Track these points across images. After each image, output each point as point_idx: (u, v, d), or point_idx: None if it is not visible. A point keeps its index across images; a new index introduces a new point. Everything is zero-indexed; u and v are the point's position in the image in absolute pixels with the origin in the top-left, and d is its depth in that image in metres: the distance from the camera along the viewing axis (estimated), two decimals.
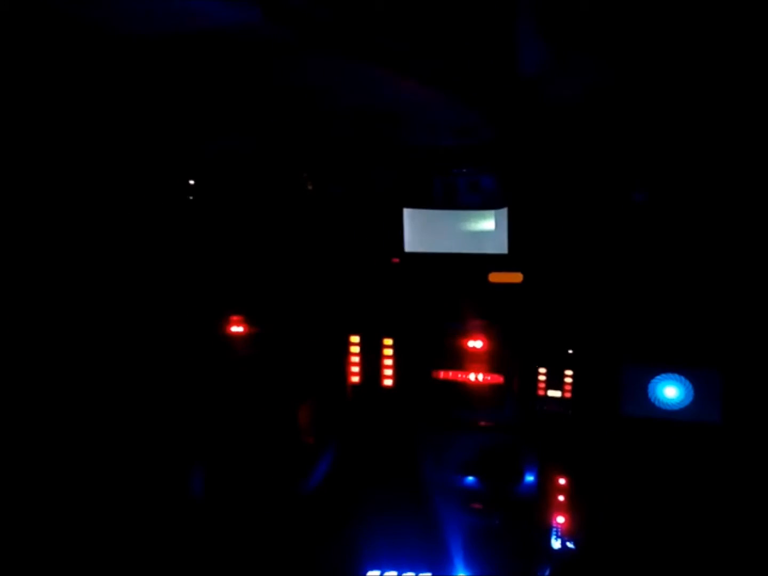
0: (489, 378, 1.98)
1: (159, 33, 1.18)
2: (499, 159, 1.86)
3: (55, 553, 1.57)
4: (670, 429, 1.82)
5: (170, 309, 2.01)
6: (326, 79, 1.47)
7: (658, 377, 1.84)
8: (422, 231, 2.00)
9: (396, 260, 2.04)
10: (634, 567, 1.75)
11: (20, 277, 1.67)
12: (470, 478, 1.96)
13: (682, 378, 1.82)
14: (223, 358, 2.06)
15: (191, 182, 2.05)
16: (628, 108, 1.61)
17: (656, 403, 1.84)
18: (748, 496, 1.71)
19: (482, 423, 2.01)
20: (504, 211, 1.91)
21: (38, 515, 1.60)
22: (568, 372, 1.93)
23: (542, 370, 1.95)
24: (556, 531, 1.87)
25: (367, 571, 1.82)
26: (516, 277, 1.95)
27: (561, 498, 1.90)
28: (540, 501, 1.91)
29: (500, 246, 1.93)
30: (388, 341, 2.07)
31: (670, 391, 1.82)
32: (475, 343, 1.99)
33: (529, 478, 1.93)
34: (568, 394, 1.93)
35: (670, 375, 1.83)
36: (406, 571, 1.82)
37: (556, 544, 1.86)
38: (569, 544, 1.85)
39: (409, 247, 2.01)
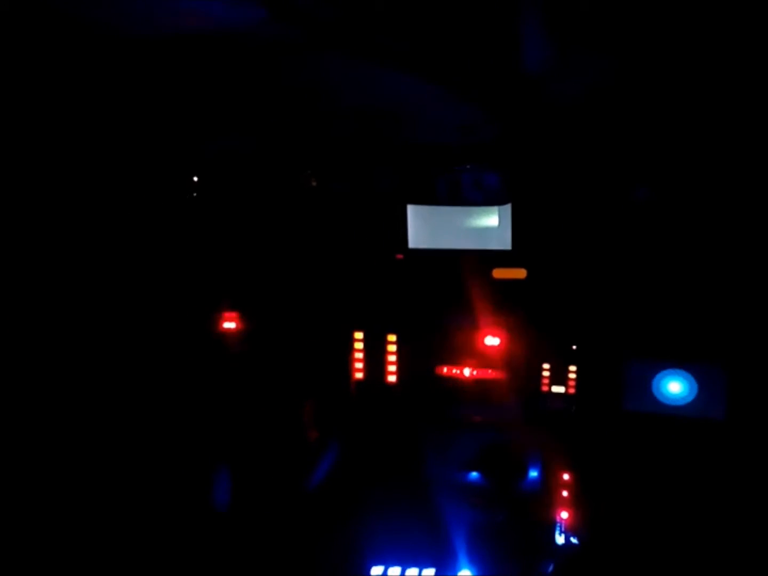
0: (493, 374, 1.98)
1: (162, 34, 1.18)
2: (502, 156, 1.86)
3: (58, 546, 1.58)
4: (673, 425, 1.82)
5: (169, 306, 2.01)
6: (330, 78, 1.47)
7: (662, 373, 1.84)
8: (426, 227, 2.00)
9: (400, 256, 2.04)
10: (638, 562, 1.75)
11: (19, 278, 1.67)
12: (474, 474, 1.96)
13: (686, 373, 1.82)
14: (226, 354, 2.07)
15: (195, 179, 2.05)
16: (630, 105, 1.61)
17: (660, 398, 1.84)
18: (750, 493, 1.71)
19: (486, 419, 2.01)
20: (508, 208, 1.90)
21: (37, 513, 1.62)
22: (572, 368, 1.93)
23: (546, 365, 1.95)
24: (560, 527, 1.87)
25: (370, 567, 1.82)
26: (520, 273, 1.95)
27: (565, 494, 1.90)
28: (544, 497, 1.91)
29: (504, 242, 1.93)
30: (392, 337, 2.07)
31: (674, 387, 1.82)
32: (479, 340, 1.99)
33: (533, 474, 1.93)
34: (571, 390, 1.93)
35: (674, 370, 1.83)
36: (409, 567, 1.82)
37: (559, 539, 1.86)
38: (573, 540, 1.86)
39: (412, 243, 2.01)
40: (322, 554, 1.81)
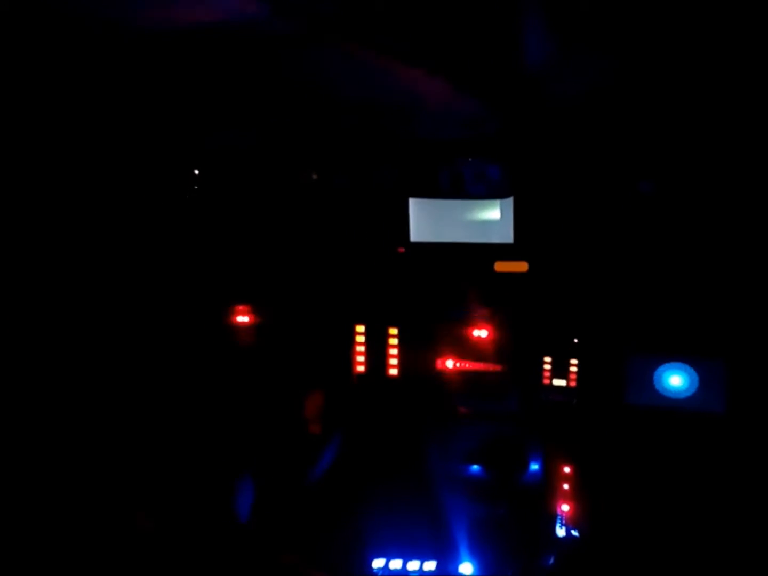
0: (494, 367, 1.99)
1: (163, 28, 1.17)
2: (504, 150, 1.86)
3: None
4: (674, 418, 1.83)
5: (177, 300, 2.02)
6: (331, 73, 1.47)
7: (663, 366, 1.84)
8: (428, 220, 2.00)
9: (401, 250, 2.04)
10: (639, 555, 1.76)
11: (24, 275, 1.68)
12: (475, 467, 1.97)
13: (687, 367, 1.82)
14: (229, 348, 2.08)
15: (196, 172, 2.05)
16: (631, 101, 1.61)
17: (661, 392, 1.84)
18: (751, 486, 1.71)
19: (487, 412, 2.01)
20: (509, 201, 1.90)
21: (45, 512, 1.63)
22: (573, 361, 1.93)
23: (547, 359, 1.96)
24: (561, 519, 1.88)
25: (372, 560, 1.83)
26: (521, 267, 1.95)
27: (566, 486, 1.90)
28: (545, 489, 1.92)
29: (506, 235, 1.93)
30: (394, 331, 2.07)
31: (675, 380, 1.83)
32: (481, 333, 2.00)
33: (534, 466, 1.94)
34: (573, 383, 1.93)
35: (676, 364, 1.83)
36: (411, 560, 1.83)
37: (560, 532, 1.87)
38: (574, 532, 1.86)
39: (414, 236, 2.01)
40: (325, 547, 1.81)
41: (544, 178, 1.88)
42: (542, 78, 1.48)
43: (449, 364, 2.02)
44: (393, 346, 2.08)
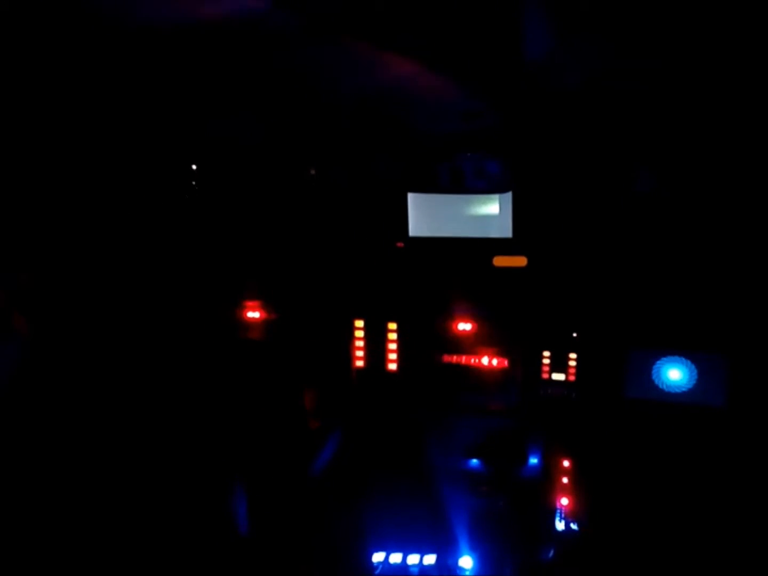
0: (493, 362, 1.99)
1: (165, 22, 1.17)
2: (504, 143, 1.86)
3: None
4: (673, 412, 1.83)
5: (175, 296, 2.01)
6: (332, 66, 1.46)
7: (663, 360, 1.84)
8: (427, 215, 1.99)
9: (400, 244, 2.04)
10: (637, 548, 1.77)
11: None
12: (475, 461, 1.98)
13: (687, 361, 1.83)
14: (229, 342, 2.07)
15: (194, 167, 2.05)
16: (632, 94, 1.60)
17: (660, 386, 1.85)
18: (749, 479, 1.72)
19: (486, 406, 2.02)
20: (508, 196, 1.90)
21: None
22: (573, 355, 1.94)
23: (546, 353, 1.96)
24: (560, 513, 1.88)
25: (372, 554, 1.83)
26: (520, 261, 1.95)
27: (565, 480, 1.91)
28: (544, 483, 1.92)
29: (504, 230, 1.93)
30: (393, 325, 2.07)
31: (675, 374, 1.83)
32: (480, 327, 2.00)
33: (534, 460, 1.95)
34: (572, 378, 1.93)
35: (675, 358, 1.83)
36: (411, 553, 1.83)
37: (560, 525, 1.87)
38: (573, 526, 1.87)
39: (413, 231, 2.01)
40: (325, 540, 1.82)
41: (543, 173, 1.88)
42: (542, 70, 1.48)
43: (448, 358, 2.02)
44: (392, 341, 2.08)
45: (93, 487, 1.73)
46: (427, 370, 2.04)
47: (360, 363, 2.10)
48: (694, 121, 1.68)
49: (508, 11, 1.23)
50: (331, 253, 2.09)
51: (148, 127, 1.82)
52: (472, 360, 2.00)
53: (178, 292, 2.02)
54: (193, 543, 1.73)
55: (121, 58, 1.38)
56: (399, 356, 2.07)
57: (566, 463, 1.92)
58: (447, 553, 1.83)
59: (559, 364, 1.95)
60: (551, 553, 1.84)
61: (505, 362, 1.98)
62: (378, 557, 1.82)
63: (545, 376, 1.96)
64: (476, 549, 1.84)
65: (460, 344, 2.02)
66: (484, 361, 1.99)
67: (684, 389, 1.82)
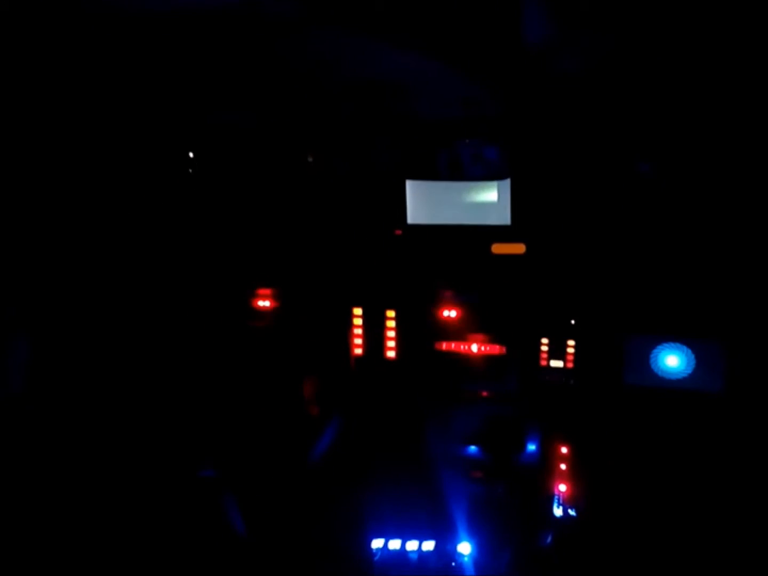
0: (491, 349, 1.99)
1: (163, 9, 1.16)
2: (503, 130, 1.86)
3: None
4: (671, 398, 1.83)
5: (175, 286, 2.02)
6: (330, 52, 1.46)
7: (660, 346, 1.85)
8: (425, 203, 1.99)
9: (398, 232, 2.03)
10: (635, 534, 1.77)
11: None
12: (473, 448, 1.98)
13: (684, 347, 1.83)
14: (227, 330, 2.08)
15: (191, 155, 2.04)
16: (632, 80, 1.60)
17: (658, 372, 1.85)
18: (747, 465, 1.73)
19: (485, 393, 2.02)
20: (507, 183, 1.90)
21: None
22: (571, 342, 1.94)
23: (545, 340, 1.96)
24: (558, 499, 1.89)
25: (371, 540, 1.84)
26: (519, 248, 1.94)
27: (563, 466, 1.91)
28: (542, 470, 1.92)
29: (503, 217, 1.93)
30: (391, 313, 2.07)
31: (672, 361, 1.83)
32: (478, 315, 2.00)
33: (532, 447, 1.95)
34: (570, 364, 1.94)
35: (673, 344, 1.84)
36: (410, 539, 1.84)
37: (558, 511, 1.88)
38: (571, 512, 1.87)
39: (411, 218, 2.00)
40: (323, 527, 1.82)
41: (542, 160, 1.88)
42: (542, 57, 1.48)
43: (447, 345, 2.03)
44: (390, 329, 2.08)
45: (96, 480, 1.75)
46: (426, 357, 2.04)
47: (359, 351, 2.09)
48: (695, 107, 1.67)
49: None
50: (330, 240, 2.08)
51: (146, 115, 1.82)
52: (471, 347, 2.00)
53: (176, 281, 2.02)
54: (189, 533, 1.74)
55: (118, 45, 1.37)
56: (397, 344, 2.07)
57: (564, 450, 1.92)
58: (445, 539, 1.83)
59: (557, 351, 1.95)
60: (549, 539, 1.84)
61: (504, 349, 1.98)
62: (377, 543, 1.82)
63: (543, 363, 1.96)
64: (475, 535, 1.84)
65: (458, 332, 2.02)
66: (483, 348, 1.99)
67: (682, 375, 1.82)
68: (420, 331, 2.05)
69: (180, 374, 1.99)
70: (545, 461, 1.93)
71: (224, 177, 2.05)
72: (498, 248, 1.96)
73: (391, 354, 2.08)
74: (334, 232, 2.08)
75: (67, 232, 1.84)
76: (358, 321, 2.09)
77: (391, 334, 2.07)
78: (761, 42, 1.35)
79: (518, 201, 1.90)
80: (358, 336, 2.09)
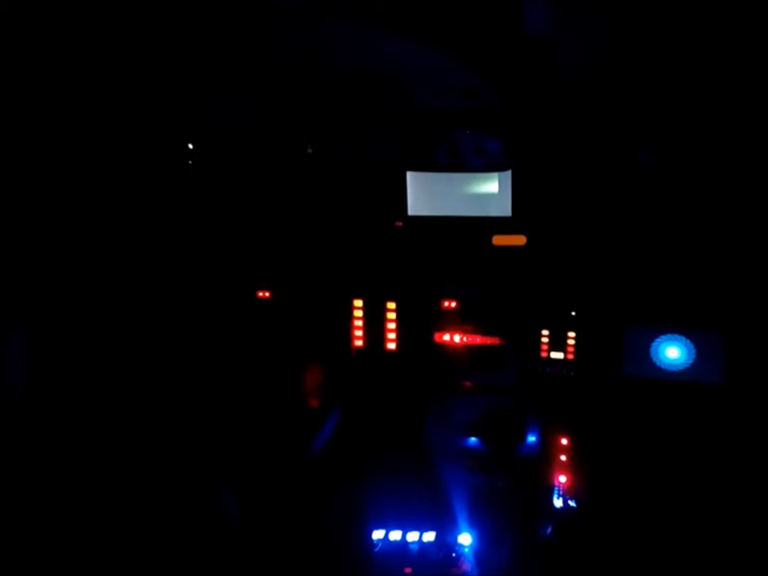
0: (492, 340, 1.99)
1: None
2: (504, 121, 1.85)
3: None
4: (671, 390, 1.84)
5: (176, 279, 2.02)
6: (331, 42, 1.45)
7: (661, 338, 1.85)
8: (425, 194, 1.99)
9: (399, 224, 2.03)
10: (634, 525, 1.78)
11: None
12: (474, 440, 1.99)
13: (684, 339, 1.83)
14: (230, 324, 2.08)
15: (190, 146, 2.04)
16: (633, 70, 1.60)
17: (658, 364, 1.85)
18: (748, 456, 1.73)
19: (485, 385, 2.02)
20: (507, 174, 1.89)
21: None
22: (571, 334, 1.94)
23: (545, 332, 1.96)
24: (558, 490, 1.89)
25: (372, 531, 1.84)
26: (519, 240, 1.94)
27: (563, 458, 1.92)
28: (542, 461, 1.93)
29: (504, 209, 1.93)
30: (391, 305, 2.07)
31: (672, 352, 1.84)
32: (479, 307, 2.00)
33: (532, 438, 1.96)
34: (570, 356, 1.94)
35: (673, 336, 1.84)
36: (410, 530, 1.84)
37: (558, 502, 1.88)
38: (571, 503, 1.88)
39: (412, 210, 2.00)
40: (325, 519, 1.83)
41: (543, 151, 1.87)
42: (543, 46, 1.47)
43: (447, 337, 2.03)
44: (391, 321, 2.07)
45: (95, 472, 1.75)
46: (426, 349, 2.04)
47: (359, 342, 2.09)
48: (695, 98, 1.67)
49: None
50: (330, 232, 2.08)
51: (147, 106, 1.81)
52: (471, 339, 2.00)
53: (176, 275, 2.02)
54: (188, 524, 1.74)
55: (120, 33, 1.36)
56: (398, 335, 2.07)
57: (564, 441, 1.93)
58: (446, 530, 1.84)
59: (557, 343, 1.95)
60: (549, 530, 1.85)
61: (504, 341, 1.98)
62: (378, 534, 1.83)
63: (544, 354, 1.96)
64: (475, 526, 1.85)
65: (459, 323, 2.02)
66: (483, 339, 1.99)
67: (682, 367, 1.83)
68: (420, 322, 2.05)
69: (181, 367, 1.99)
70: (545, 452, 1.94)
71: (225, 169, 2.04)
72: (499, 240, 1.96)
73: (391, 346, 2.08)
74: (335, 224, 2.07)
75: (67, 224, 1.83)
76: (358, 313, 2.09)
77: (392, 325, 2.07)
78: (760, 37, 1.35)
79: (519, 192, 1.90)
80: (358, 328, 2.09)
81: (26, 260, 1.76)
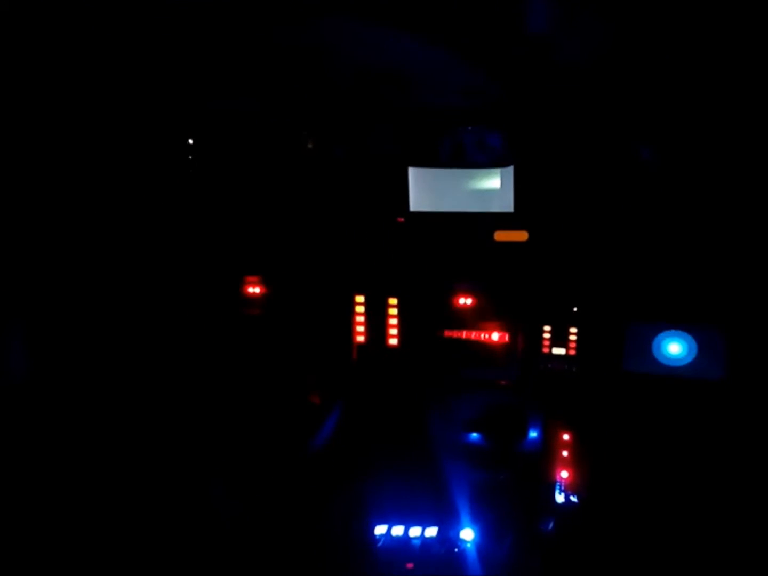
0: (494, 336, 1.99)
1: None
2: (506, 117, 1.85)
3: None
4: (673, 385, 1.84)
5: (176, 273, 2.01)
6: (332, 39, 1.45)
7: (662, 334, 1.85)
8: (427, 190, 1.98)
9: (401, 219, 2.02)
10: (636, 520, 1.78)
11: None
12: (475, 435, 1.99)
13: (686, 334, 1.83)
14: (231, 319, 2.07)
15: (190, 142, 2.03)
16: (635, 67, 1.59)
17: (660, 359, 1.86)
18: (749, 452, 1.74)
19: (487, 381, 2.03)
20: (510, 170, 1.89)
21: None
22: (573, 329, 1.94)
23: (547, 327, 1.96)
24: (560, 485, 1.90)
25: (374, 527, 1.84)
26: (521, 236, 1.94)
27: (565, 453, 1.92)
28: (544, 456, 1.93)
29: (506, 204, 1.92)
30: (393, 301, 2.07)
31: (674, 348, 1.84)
32: (480, 302, 2.00)
33: (534, 434, 1.96)
34: (572, 352, 1.94)
35: (674, 331, 1.84)
36: (413, 526, 1.84)
37: (559, 498, 1.89)
38: (573, 498, 1.88)
39: (414, 206, 2.00)
40: (327, 515, 1.83)
41: (546, 147, 1.87)
42: (545, 44, 1.47)
43: (449, 333, 2.03)
44: (393, 316, 2.07)
45: (93, 470, 1.75)
46: (428, 345, 2.04)
47: (361, 338, 2.09)
48: (698, 95, 1.67)
49: None
50: (331, 228, 2.07)
51: (146, 101, 1.80)
52: (473, 335, 2.01)
53: (177, 269, 2.02)
54: (188, 523, 1.74)
55: (122, 28, 1.36)
56: (400, 331, 2.07)
57: (566, 437, 1.93)
58: (448, 526, 1.84)
59: (559, 339, 1.96)
60: (551, 525, 1.85)
61: (506, 337, 1.99)
62: (380, 530, 1.83)
63: (546, 350, 1.97)
64: (477, 521, 1.85)
65: (460, 319, 2.02)
66: (485, 335, 2.00)
67: (684, 363, 1.83)
68: (422, 318, 2.05)
69: (180, 364, 1.99)
70: (547, 448, 1.94)
71: (225, 164, 2.04)
72: (501, 236, 1.96)
73: (393, 342, 2.08)
74: (337, 220, 2.07)
75: (62, 219, 1.83)
76: (360, 308, 2.09)
77: (394, 321, 2.07)
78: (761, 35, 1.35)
79: (521, 188, 1.90)
80: (360, 324, 2.09)
81: (23, 250, 1.76)
